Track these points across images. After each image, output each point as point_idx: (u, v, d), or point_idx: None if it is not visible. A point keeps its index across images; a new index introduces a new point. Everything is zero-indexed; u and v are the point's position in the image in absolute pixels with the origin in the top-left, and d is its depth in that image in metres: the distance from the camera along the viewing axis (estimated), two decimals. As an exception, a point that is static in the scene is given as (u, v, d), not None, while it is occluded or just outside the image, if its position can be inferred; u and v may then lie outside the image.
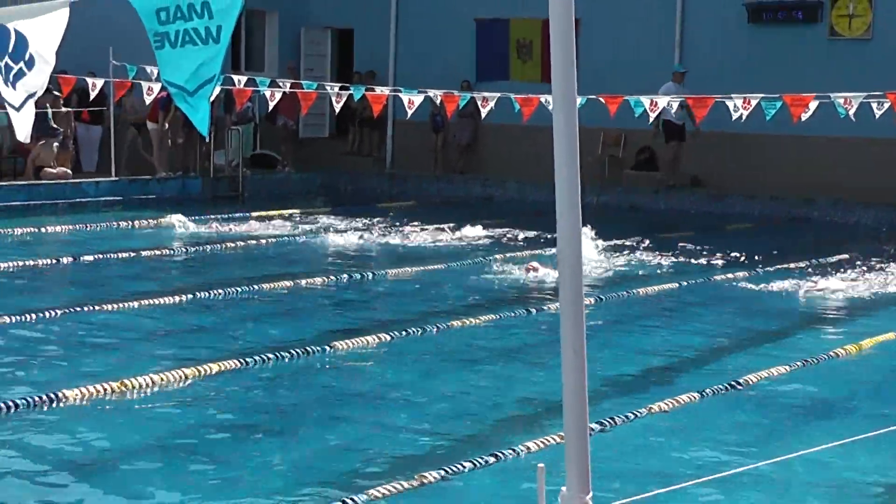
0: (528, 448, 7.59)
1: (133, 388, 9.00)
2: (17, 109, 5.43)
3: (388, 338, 10.99)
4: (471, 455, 7.51)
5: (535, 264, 14.81)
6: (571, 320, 3.13)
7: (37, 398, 8.55)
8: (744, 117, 16.02)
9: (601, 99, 16.96)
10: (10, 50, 5.28)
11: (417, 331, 11.33)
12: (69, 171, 22.25)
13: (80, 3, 5.20)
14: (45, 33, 5.18)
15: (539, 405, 8.97)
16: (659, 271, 15.43)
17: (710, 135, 22.23)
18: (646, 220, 21.29)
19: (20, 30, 5.21)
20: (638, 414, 8.56)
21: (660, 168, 23.99)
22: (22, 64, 5.27)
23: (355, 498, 6.68)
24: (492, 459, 7.44)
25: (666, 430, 8.44)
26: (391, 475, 7.12)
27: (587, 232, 15.24)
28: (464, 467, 7.28)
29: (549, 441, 7.60)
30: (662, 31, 24.54)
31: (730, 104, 16.21)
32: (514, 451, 7.58)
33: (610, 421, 8.29)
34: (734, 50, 23.70)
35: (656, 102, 17.00)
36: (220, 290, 13.17)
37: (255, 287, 13.60)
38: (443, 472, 7.16)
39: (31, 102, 5.43)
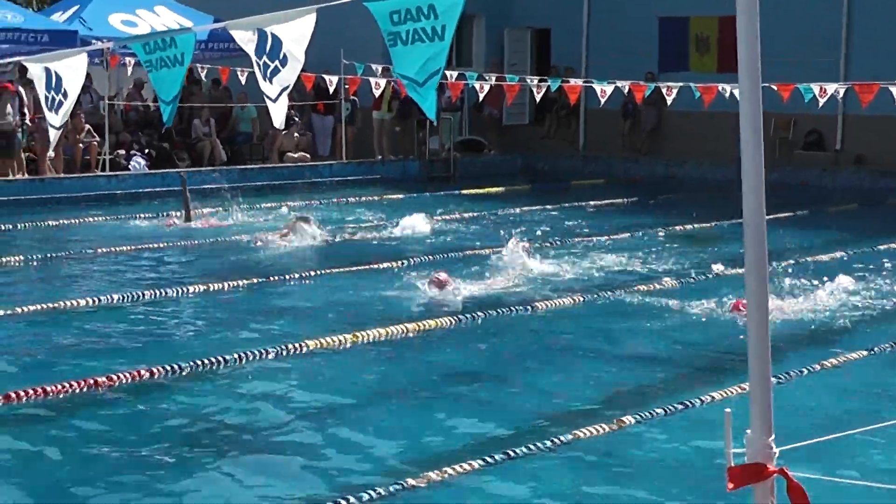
0: (712, 398, 7.49)
1: (364, 339, 9.20)
2: (274, 101, 5.62)
3: (581, 299, 10.97)
4: (662, 403, 7.46)
5: (441, 276, 11.20)
6: (755, 280, 3.10)
7: (286, 346, 8.81)
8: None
9: (773, 86, 16.55)
10: (267, 50, 5.46)
11: (608, 294, 11.28)
12: (307, 155, 22.79)
13: (321, 9, 5.32)
14: (296, 35, 5.34)
15: (716, 364, 8.83)
16: (829, 240, 15.00)
17: (874, 118, 21.46)
18: (815, 196, 20.74)
19: (276, 33, 5.39)
20: (812, 369, 8.37)
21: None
22: (277, 62, 5.46)
23: (562, 437, 6.71)
24: (680, 407, 7.38)
25: (837, 382, 8.24)
26: (593, 419, 7.10)
27: (520, 245, 12.93)
28: (656, 413, 7.23)
29: (730, 392, 7.47)
30: (830, 24, 23.79)
31: (894, 90, 15.64)
32: (700, 399, 7.49)
33: (786, 374, 8.13)
34: (898, 40, 22.82)
35: (825, 89, 16.49)
36: (436, 256, 13.37)
37: (461, 254, 13.73)
38: (638, 417, 7.12)
39: (285, 95, 5.62)
